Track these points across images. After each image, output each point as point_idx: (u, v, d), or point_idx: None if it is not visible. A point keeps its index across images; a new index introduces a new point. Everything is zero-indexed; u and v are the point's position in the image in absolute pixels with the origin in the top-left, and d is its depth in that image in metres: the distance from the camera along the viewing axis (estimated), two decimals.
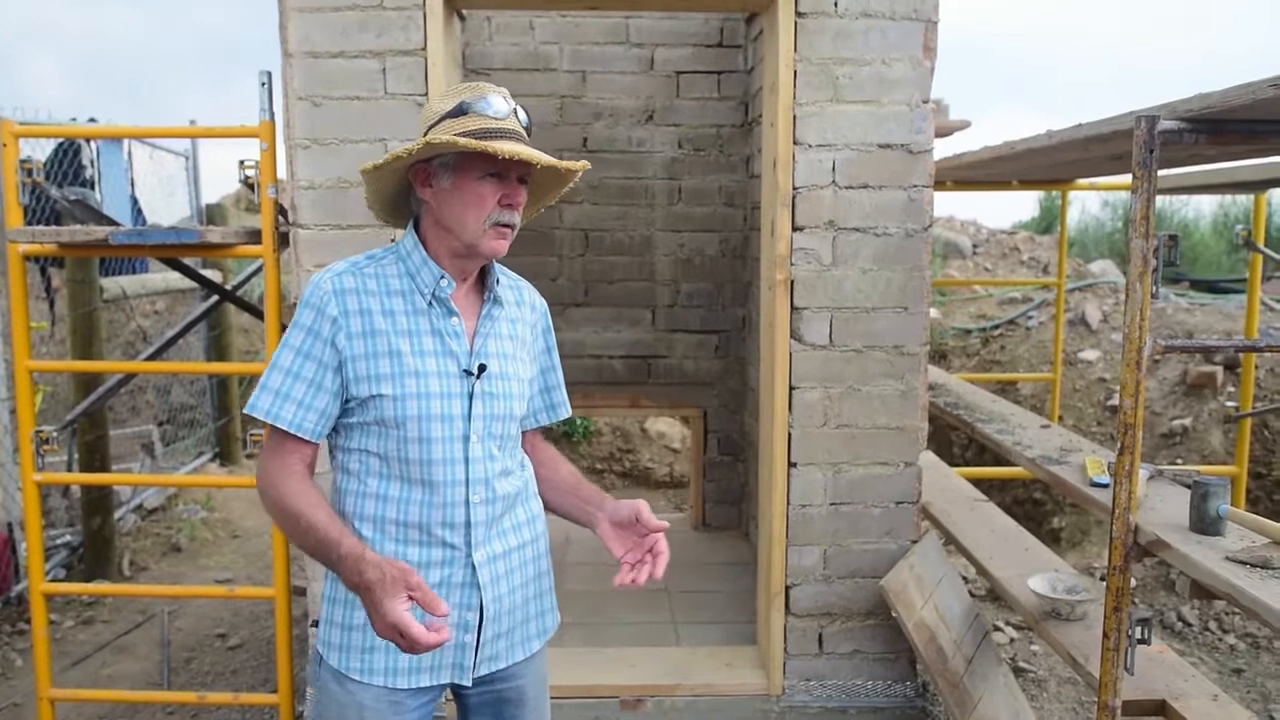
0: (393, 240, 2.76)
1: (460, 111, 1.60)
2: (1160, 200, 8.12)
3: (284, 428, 1.59)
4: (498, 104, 1.61)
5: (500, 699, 1.77)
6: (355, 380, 1.60)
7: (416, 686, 1.66)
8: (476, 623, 1.68)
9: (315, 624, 1.72)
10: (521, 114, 1.65)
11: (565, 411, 1.91)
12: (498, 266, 1.74)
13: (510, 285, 1.79)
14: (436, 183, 1.61)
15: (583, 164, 1.70)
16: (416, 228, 1.68)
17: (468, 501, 1.64)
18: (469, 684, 1.71)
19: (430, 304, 1.64)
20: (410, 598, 1.42)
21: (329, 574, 1.68)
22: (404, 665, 1.65)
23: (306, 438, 1.60)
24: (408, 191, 1.69)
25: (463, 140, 1.52)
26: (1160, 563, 4.49)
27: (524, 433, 1.84)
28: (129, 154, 5.39)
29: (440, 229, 1.64)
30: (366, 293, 1.62)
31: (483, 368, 1.65)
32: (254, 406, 1.59)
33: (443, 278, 1.64)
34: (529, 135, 1.65)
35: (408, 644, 1.42)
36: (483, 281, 1.72)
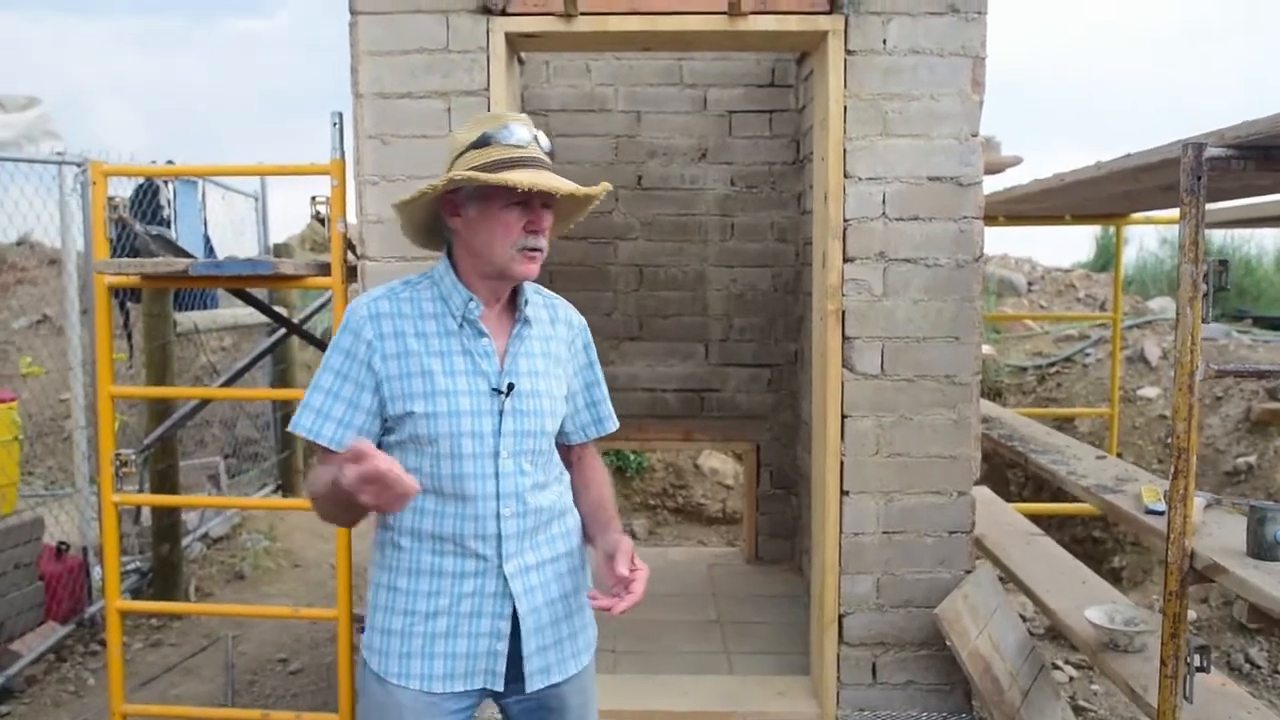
0: None
1: (483, 142, 1.67)
2: (1221, 237, 8.03)
3: (324, 444, 1.67)
4: (519, 133, 1.68)
5: (541, 705, 1.81)
6: (390, 399, 1.67)
7: (450, 691, 1.72)
8: (508, 631, 1.73)
9: (362, 629, 1.82)
10: (543, 140, 1.72)
11: (612, 425, 1.95)
12: (530, 286, 1.80)
13: (545, 304, 1.84)
14: (464, 212, 1.69)
15: (603, 186, 1.76)
16: (449, 253, 1.77)
17: (498, 514, 1.70)
18: (501, 689, 1.75)
19: (461, 325, 1.71)
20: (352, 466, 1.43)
21: (372, 582, 1.78)
22: (439, 671, 1.71)
23: None
24: (439, 220, 1.76)
25: (482, 175, 1.60)
26: (1226, 603, 4.39)
27: (572, 445, 1.91)
28: (203, 195, 5.62)
29: (470, 254, 1.72)
30: (400, 316, 1.70)
31: (511, 386, 1.71)
32: (297, 424, 1.69)
33: (471, 300, 1.71)
34: (551, 159, 1.72)
35: (375, 482, 1.42)
36: (514, 301, 1.79)
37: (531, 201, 1.66)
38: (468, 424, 1.67)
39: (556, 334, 1.83)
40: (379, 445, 1.71)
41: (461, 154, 1.69)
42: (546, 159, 1.70)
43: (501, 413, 1.70)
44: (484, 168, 1.62)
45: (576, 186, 1.69)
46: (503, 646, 1.72)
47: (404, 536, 1.73)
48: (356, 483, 1.43)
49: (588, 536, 1.87)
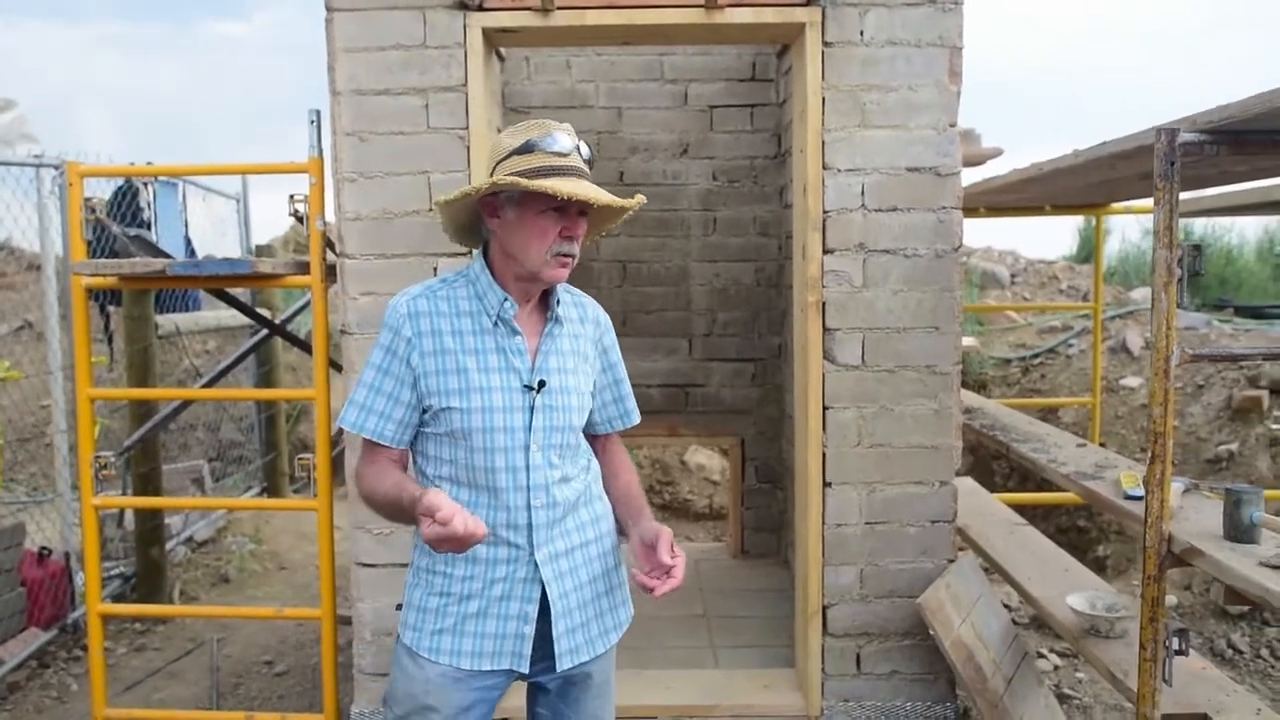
0: (435, 269, 2.88)
1: (527, 149, 1.73)
2: (1202, 226, 8.07)
3: (368, 437, 1.78)
4: (562, 141, 1.74)
5: (568, 682, 1.88)
6: (428, 394, 1.76)
7: (478, 669, 1.79)
8: (535, 615, 1.79)
9: (399, 607, 1.93)
10: (584, 149, 1.79)
11: (636, 418, 2.03)
12: (561, 286, 1.85)
13: (574, 303, 1.91)
14: (503, 214, 1.75)
15: (639, 199, 1.83)
16: (485, 252, 1.83)
17: (529, 505, 1.77)
18: (527, 671, 1.81)
19: (495, 324, 1.78)
20: (430, 517, 1.54)
21: (412, 564, 1.87)
22: (467, 649, 1.79)
23: (387, 444, 1.78)
24: (478, 219, 1.83)
25: (524, 181, 1.65)
26: (1209, 589, 4.42)
27: (598, 436, 1.99)
28: (183, 197, 5.59)
29: (506, 256, 1.78)
30: (438, 314, 1.77)
31: (542, 383, 1.78)
32: (342, 419, 1.79)
33: (506, 300, 1.77)
34: (590, 169, 1.78)
35: (451, 542, 1.54)
36: (545, 301, 1.85)
37: (568, 209, 1.72)
38: (500, 419, 1.75)
39: (585, 332, 1.90)
40: (415, 438, 1.83)
41: (505, 158, 1.75)
42: (585, 168, 1.77)
43: (533, 409, 1.77)
44: (526, 174, 1.69)
45: (613, 198, 1.74)
46: (529, 630, 1.80)
47: None
48: (434, 541, 1.54)
49: (619, 522, 1.94)
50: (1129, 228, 9.07)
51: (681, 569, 1.74)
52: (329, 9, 2.83)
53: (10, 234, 4.85)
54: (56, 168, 4.36)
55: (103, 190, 4.66)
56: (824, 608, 2.97)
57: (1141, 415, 5.63)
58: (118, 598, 4.74)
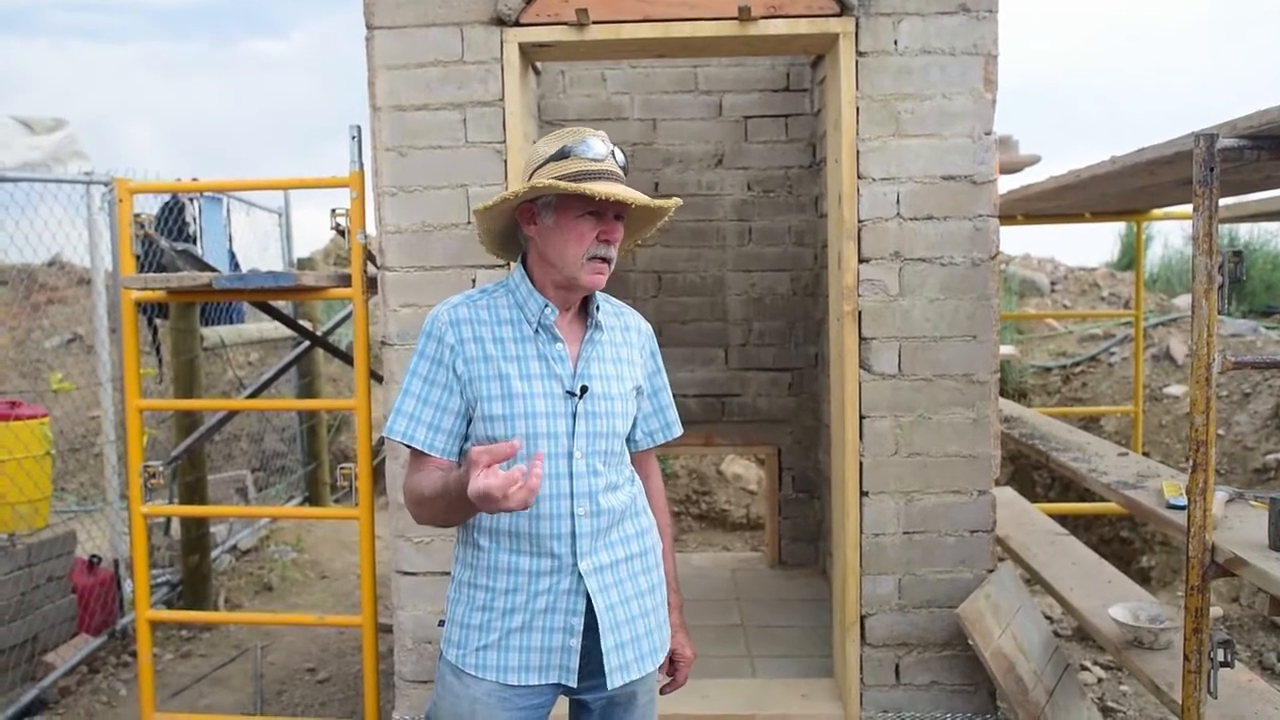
0: (473, 281, 2.92)
1: (562, 155, 1.75)
2: (1249, 232, 7.90)
3: (418, 448, 1.76)
4: (597, 147, 1.76)
5: (611, 702, 1.85)
6: (473, 400, 1.76)
7: (525, 684, 1.77)
8: (581, 628, 1.77)
9: (441, 623, 1.91)
10: (619, 155, 1.79)
11: (678, 429, 2.01)
12: (600, 295, 1.86)
13: (614, 312, 1.92)
14: (540, 220, 1.76)
15: (674, 200, 1.83)
16: (524, 262, 1.84)
17: (573, 514, 1.75)
18: (574, 685, 1.79)
19: (537, 331, 1.78)
20: (482, 463, 1.46)
21: (454, 579, 1.84)
22: (514, 663, 1.76)
23: (439, 456, 1.76)
24: (515, 228, 1.84)
25: (562, 184, 1.66)
26: (1254, 600, 4.33)
27: (638, 452, 1.97)
28: (228, 212, 5.71)
29: (544, 263, 1.78)
30: (479, 322, 1.78)
31: (585, 389, 1.77)
32: (390, 430, 1.77)
33: (547, 306, 1.77)
34: (625, 175, 1.79)
35: (499, 499, 1.44)
36: (586, 309, 1.86)
37: (605, 212, 1.73)
38: (543, 425, 1.74)
39: (628, 340, 1.90)
40: (461, 449, 1.80)
41: (541, 165, 1.77)
42: (621, 173, 1.77)
43: (575, 415, 1.76)
44: (563, 179, 1.69)
45: (650, 199, 1.74)
46: (575, 643, 1.77)
47: (483, 536, 1.79)
48: (484, 493, 1.43)
49: None
50: (1171, 234, 8.88)
51: (684, 673, 2.00)
52: (369, 27, 2.89)
53: (61, 249, 4.99)
54: (106, 184, 4.48)
55: (150, 206, 4.78)
56: (862, 618, 2.96)
57: (1186, 424, 5.54)
58: (165, 605, 4.83)
